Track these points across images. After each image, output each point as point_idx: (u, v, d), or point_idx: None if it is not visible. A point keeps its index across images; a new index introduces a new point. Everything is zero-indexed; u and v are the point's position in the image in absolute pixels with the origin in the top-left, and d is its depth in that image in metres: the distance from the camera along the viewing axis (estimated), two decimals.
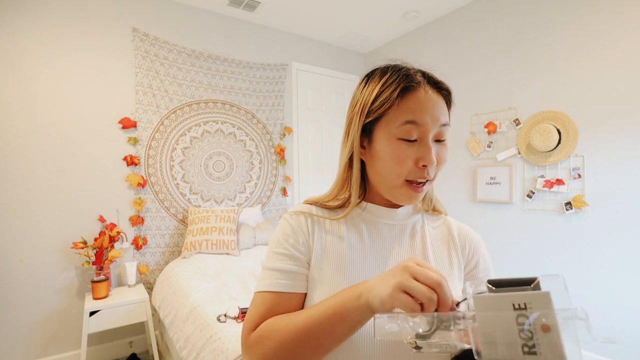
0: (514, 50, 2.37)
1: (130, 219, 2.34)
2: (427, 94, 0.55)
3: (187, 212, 2.57)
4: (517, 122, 2.35)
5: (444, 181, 2.86)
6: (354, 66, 3.60)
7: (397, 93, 0.54)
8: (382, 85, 0.55)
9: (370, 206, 0.64)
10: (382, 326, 0.40)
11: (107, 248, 2.09)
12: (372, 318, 0.44)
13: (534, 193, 2.25)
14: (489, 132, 2.51)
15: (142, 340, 2.37)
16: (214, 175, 2.71)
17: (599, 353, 1.98)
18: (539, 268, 2.24)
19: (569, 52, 2.10)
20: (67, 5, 2.15)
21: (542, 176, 2.21)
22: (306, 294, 0.58)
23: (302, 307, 0.57)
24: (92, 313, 1.88)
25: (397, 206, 0.64)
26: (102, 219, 2.22)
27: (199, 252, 2.31)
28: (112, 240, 2.13)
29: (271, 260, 0.58)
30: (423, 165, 0.54)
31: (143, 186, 2.37)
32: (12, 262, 1.97)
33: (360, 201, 0.64)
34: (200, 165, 2.65)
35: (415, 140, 0.54)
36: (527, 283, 0.34)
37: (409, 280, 0.40)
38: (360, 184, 0.63)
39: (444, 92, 0.57)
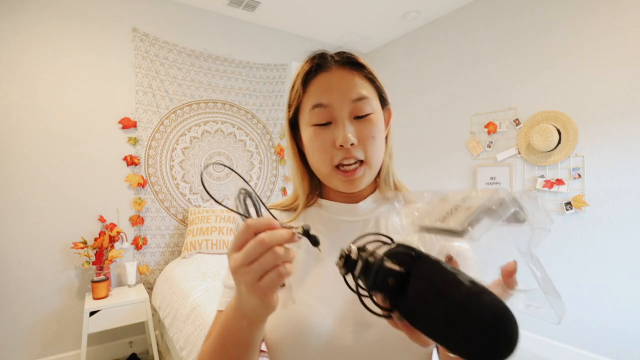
0: (514, 50, 2.37)
1: (130, 219, 2.33)
2: (332, 73, 0.53)
3: (187, 212, 2.57)
4: (517, 122, 2.35)
5: (443, 181, 2.86)
6: None
7: (301, 80, 0.54)
8: (295, 78, 0.56)
9: (326, 203, 0.60)
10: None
11: (107, 248, 2.09)
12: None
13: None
14: (489, 132, 2.51)
15: (142, 340, 2.37)
16: (214, 175, 2.71)
17: (598, 353, 1.98)
18: None
19: (569, 52, 2.10)
20: (67, 5, 2.15)
21: (542, 176, 2.21)
22: None
23: None
24: (92, 313, 1.87)
25: (357, 200, 0.60)
26: (102, 219, 2.22)
27: (199, 252, 2.31)
28: (112, 240, 2.13)
29: (226, 277, 0.57)
30: (340, 146, 0.51)
31: (143, 186, 2.37)
32: (12, 262, 1.97)
33: (316, 199, 0.61)
34: (200, 165, 2.65)
35: (331, 123, 0.52)
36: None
37: (231, 257, 0.36)
38: (311, 181, 0.60)
39: (356, 66, 0.54)
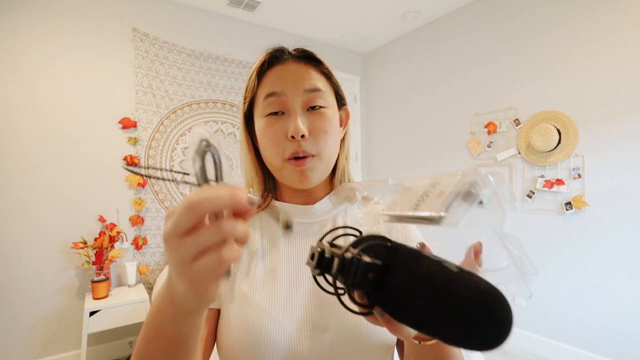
0: (514, 50, 2.37)
1: (130, 219, 2.33)
2: (288, 65, 0.53)
3: None
4: (517, 122, 2.35)
5: None
6: (354, 66, 3.60)
7: (256, 72, 0.54)
8: (251, 71, 0.56)
9: (280, 204, 0.59)
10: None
11: (107, 248, 2.09)
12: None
13: (534, 193, 2.25)
14: (489, 132, 2.51)
15: None
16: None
17: (598, 353, 1.98)
18: (539, 268, 2.24)
19: (569, 52, 2.10)
20: (67, 5, 2.15)
21: (542, 176, 2.21)
22: (219, 310, 0.53)
23: (212, 323, 0.52)
24: (92, 313, 1.87)
25: (312, 202, 0.59)
26: (102, 219, 2.22)
27: None
28: (112, 240, 2.13)
29: None
30: (292, 137, 0.50)
31: (143, 186, 2.37)
32: (12, 262, 1.97)
33: (270, 201, 0.59)
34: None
35: (284, 114, 0.52)
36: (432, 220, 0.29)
37: (166, 222, 0.26)
38: (265, 179, 0.59)
39: (312, 61, 0.55)
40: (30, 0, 2.04)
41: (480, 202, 0.26)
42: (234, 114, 2.81)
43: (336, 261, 0.29)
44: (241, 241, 0.26)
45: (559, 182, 2.12)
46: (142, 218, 2.37)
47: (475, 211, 0.26)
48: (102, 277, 2.01)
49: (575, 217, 2.08)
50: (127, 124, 2.32)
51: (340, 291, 0.31)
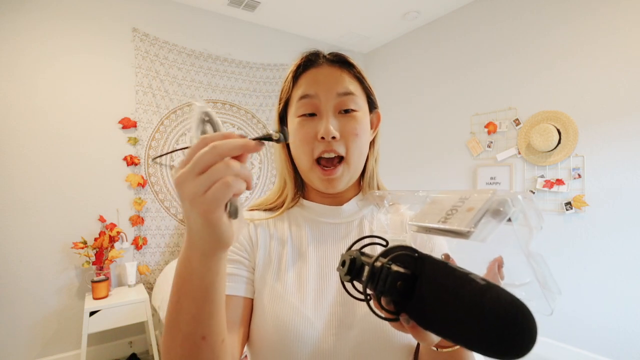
0: (514, 50, 2.37)
1: (130, 219, 2.33)
2: (322, 68, 0.55)
3: None
4: (517, 122, 2.35)
5: (443, 181, 2.86)
6: None
7: (292, 74, 0.57)
8: (287, 73, 0.58)
9: (309, 204, 0.60)
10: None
11: (107, 248, 2.09)
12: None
13: (534, 193, 2.25)
14: (489, 132, 2.51)
15: (142, 340, 2.37)
16: None
17: (598, 353, 1.98)
18: None
19: (569, 52, 2.10)
20: (67, 5, 2.15)
21: (542, 176, 2.21)
22: (252, 300, 0.54)
23: (246, 312, 0.52)
24: (92, 313, 1.87)
25: (340, 202, 0.60)
26: (102, 219, 2.22)
27: None
28: (112, 240, 2.13)
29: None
30: (322, 138, 0.51)
31: (143, 186, 2.37)
32: (12, 262, 1.97)
33: (298, 199, 0.61)
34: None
35: (316, 115, 0.53)
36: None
37: (178, 171, 0.30)
38: (296, 176, 0.60)
39: (346, 65, 0.57)
40: (30, 0, 2.04)
41: (509, 220, 0.27)
42: (234, 114, 2.81)
43: (366, 269, 0.31)
44: (246, 180, 0.31)
45: (559, 182, 2.12)
46: (142, 218, 2.37)
47: (502, 228, 0.27)
48: (102, 277, 2.01)
49: (575, 217, 2.08)
50: (127, 124, 2.32)
51: (368, 297, 0.32)
